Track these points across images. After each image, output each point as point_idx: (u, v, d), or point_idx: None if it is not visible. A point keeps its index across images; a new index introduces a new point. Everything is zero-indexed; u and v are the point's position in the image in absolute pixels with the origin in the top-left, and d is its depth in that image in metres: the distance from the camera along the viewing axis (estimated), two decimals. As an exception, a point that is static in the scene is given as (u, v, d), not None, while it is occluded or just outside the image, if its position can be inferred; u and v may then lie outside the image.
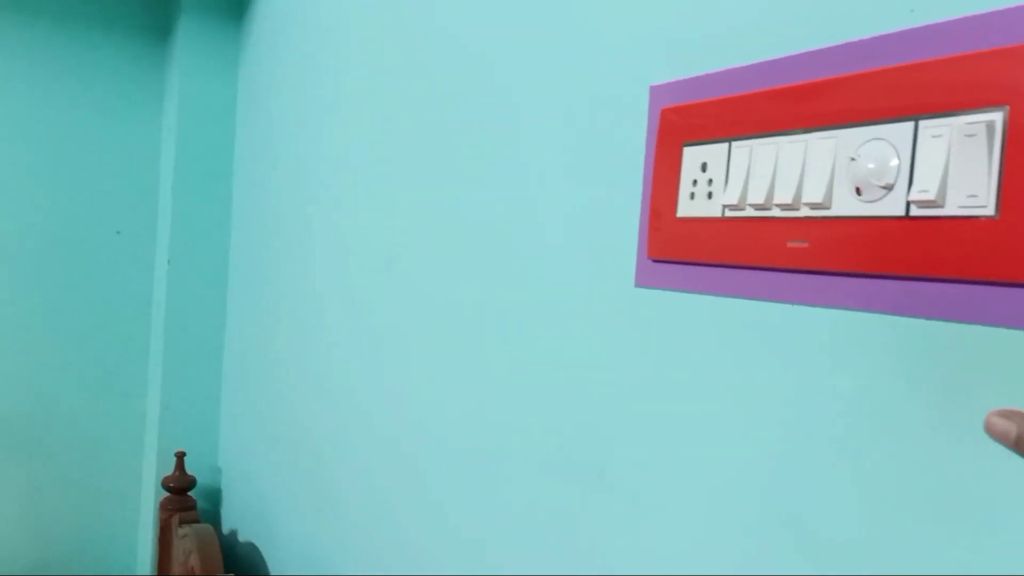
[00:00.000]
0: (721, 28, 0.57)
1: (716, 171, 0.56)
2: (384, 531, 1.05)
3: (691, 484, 0.58)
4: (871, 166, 0.45)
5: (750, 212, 0.53)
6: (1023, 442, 0.34)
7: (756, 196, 0.52)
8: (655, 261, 0.61)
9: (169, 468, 1.71)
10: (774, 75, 0.53)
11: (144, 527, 1.90)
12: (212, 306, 1.83)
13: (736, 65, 0.55)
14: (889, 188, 0.44)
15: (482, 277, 0.85)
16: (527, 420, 0.77)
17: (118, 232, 1.88)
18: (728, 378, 0.55)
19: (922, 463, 0.43)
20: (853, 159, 0.46)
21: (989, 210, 0.40)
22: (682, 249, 0.58)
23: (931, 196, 0.42)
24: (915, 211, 0.43)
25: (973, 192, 0.41)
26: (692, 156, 0.58)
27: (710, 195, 0.56)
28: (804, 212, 0.49)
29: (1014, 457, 0.37)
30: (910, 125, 0.44)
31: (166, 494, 1.70)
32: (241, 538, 1.65)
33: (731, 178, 0.54)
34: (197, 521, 1.63)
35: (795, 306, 0.51)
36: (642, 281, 0.63)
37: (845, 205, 0.47)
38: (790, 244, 0.50)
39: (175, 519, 1.64)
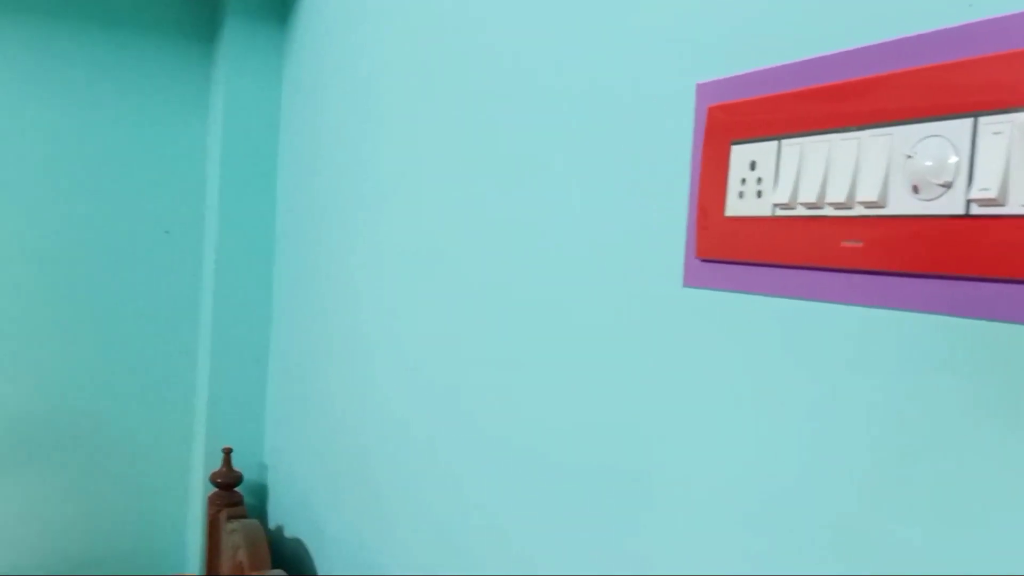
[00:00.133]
0: (769, 24, 0.57)
1: (765, 169, 0.55)
2: (427, 530, 1.06)
3: (738, 489, 0.58)
4: (928, 164, 0.44)
5: (801, 211, 0.52)
6: None
7: (808, 195, 0.51)
8: (703, 261, 0.61)
9: (217, 464, 1.74)
10: (825, 72, 0.52)
11: (193, 522, 1.93)
12: (258, 305, 1.86)
13: (785, 62, 0.55)
14: (948, 186, 0.43)
15: (525, 278, 0.85)
16: (570, 422, 0.77)
17: (167, 232, 1.92)
18: (779, 381, 0.55)
19: (982, 470, 0.42)
20: (909, 156, 0.45)
21: (1054, 209, 0.39)
22: (731, 248, 0.58)
23: (992, 194, 0.41)
24: (975, 210, 0.42)
25: (1036, 190, 0.40)
26: (740, 154, 0.57)
27: (759, 194, 0.55)
28: (858, 211, 0.48)
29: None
30: (969, 122, 0.43)
31: (214, 489, 1.73)
32: (287, 534, 1.67)
33: (781, 176, 0.53)
34: (244, 516, 1.66)
35: (849, 307, 0.50)
36: (690, 281, 0.62)
37: (901, 204, 0.46)
38: (844, 244, 0.49)
39: (223, 514, 1.67)
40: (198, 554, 1.88)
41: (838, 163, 0.49)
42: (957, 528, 0.44)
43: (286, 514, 1.72)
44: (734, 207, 0.57)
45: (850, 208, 0.49)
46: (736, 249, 0.57)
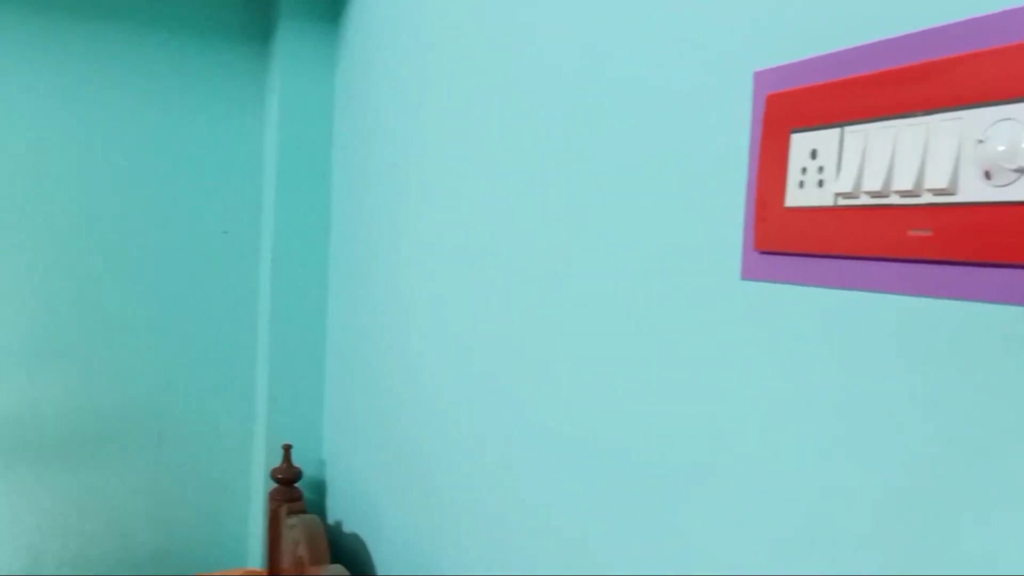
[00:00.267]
0: (828, 8, 0.55)
1: (827, 158, 0.53)
2: (485, 526, 1.06)
3: (799, 484, 0.56)
4: (1001, 148, 0.42)
5: (866, 200, 0.50)
6: None
7: (872, 183, 0.49)
8: (762, 253, 0.59)
9: (277, 460, 1.77)
10: (889, 55, 0.50)
11: (255, 517, 1.97)
12: (314, 303, 1.89)
13: (846, 47, 0.53)
14: (1022, 171, 0.42)
15: (579, 271, 0.85)
16: (626, 416, 0.76)
17: (225, 232, 1.96)
18: (843, 374, 0.53)
19: (1064, 465, 0.41)
20: (980, 141, 0.44)
21: None
22: (791, 240, 0.56)
23: (1072, 179, 0.39)
24: (1053, 195, 0.40)
25: (1120, 173, 0.38)
26: (801, 143, 0.56)
27: (821, 183, 0.54)
28: (927, 199, 0.46)
29: None
30: (1045, 103, 0.41)
31: (274, 485, 1.76)
32: (346, 529, 1.69)
33: (844, 165, 0.52)
34: (304, 512, 1.68)
35: (917, 298, 0.48)
36: (749, 274, 0.61)
37: (973, 190, 0.44)
38: (911, 232, 0.47)
39: (283, 509, 1.70)
40: (260, 548, 1.92)
41: (905, 150, 0.48)
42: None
43: (344, 509, 1.74)
44: (794, 197, 0.56)
45: (918, 196, 0.47)
46: (796, 240, 0.56)
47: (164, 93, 1.88)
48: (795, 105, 0.56)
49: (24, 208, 1.77)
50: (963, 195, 0.45)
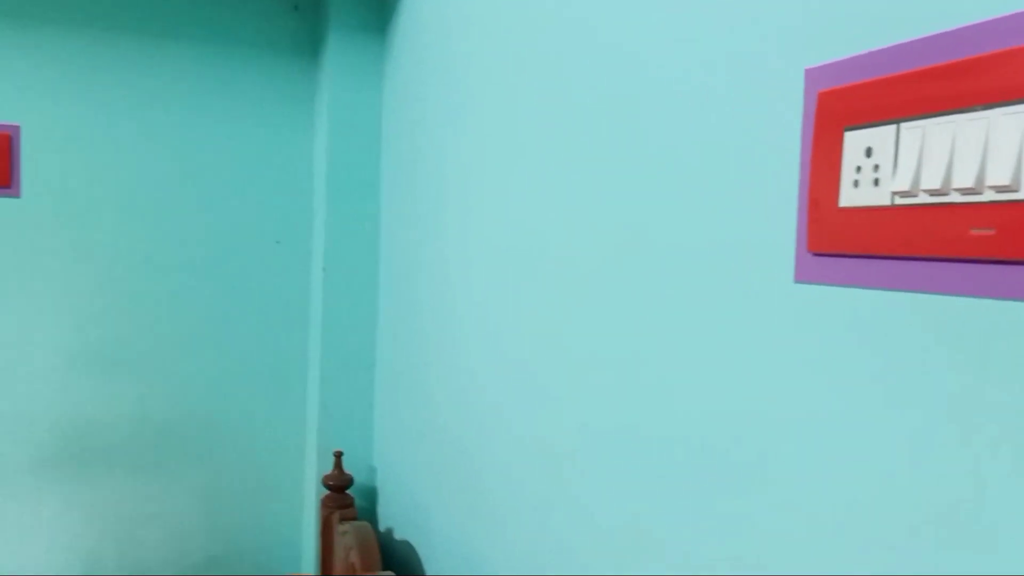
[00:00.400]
0: (880, 2, 0.53)
1: (883, 156, 0.52)
2: (536, 532, 1.06)
3: (854, 491, 0.54)
4: (1069, 141, 0.40)
5: (924, 198, 0.48)
6: None
7: (931, 181, 0.48)
8: (816, 255, 0.58)
9: (329, 467, 1.79)
10: (946, 49, 0.48)
11: (308, 524, 1.99)
12: (364, 311, 1.91)
13: (901, 41, 0.51)
14: (1092, 165, 0.40)
15: (626, 275, 0.84)
16: (678, 422, 0.75)
17: (278, 242, 1.99)
18: (901, 379, 0.51)
19: None
20: (1046, 135, 0.42)
21: None
22: (846, 241, 0.55)
23: None
24: None
25: None
26: (855, 141, 0.54)
27: (876, 182, 0.52)
28: (989, 196, 0.45)
29: None
30: (1116, 93, 0.39)
31: (326, 492, 1.77)
32: (397, 536, 1.70)
33: (901, 162, 0.50)
34: (356, 519, 1.69)
35: (980, 300, 0.46)
36: (802, 276, 0.59)
37: (1038, 186, 0.42)
38: (973, 232, 0.46)
39: (335, 516, 1.71)
40: (313, 554, 1.93)
41: (965, 146, 0.46)
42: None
43: (395, 516, 1.74)
44: (849, 197, 0.54)
45: (979, 193, 0.45)
46: (851, 241, 0.54)
47: (218, 108, 1.92)
48: (848, 102, 0.55)
49: (86, 223, 1.83)
50: (1028, 191, 0.43)
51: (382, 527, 1.82)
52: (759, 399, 0.64)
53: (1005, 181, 0.43)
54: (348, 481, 1.76)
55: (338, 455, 1.77)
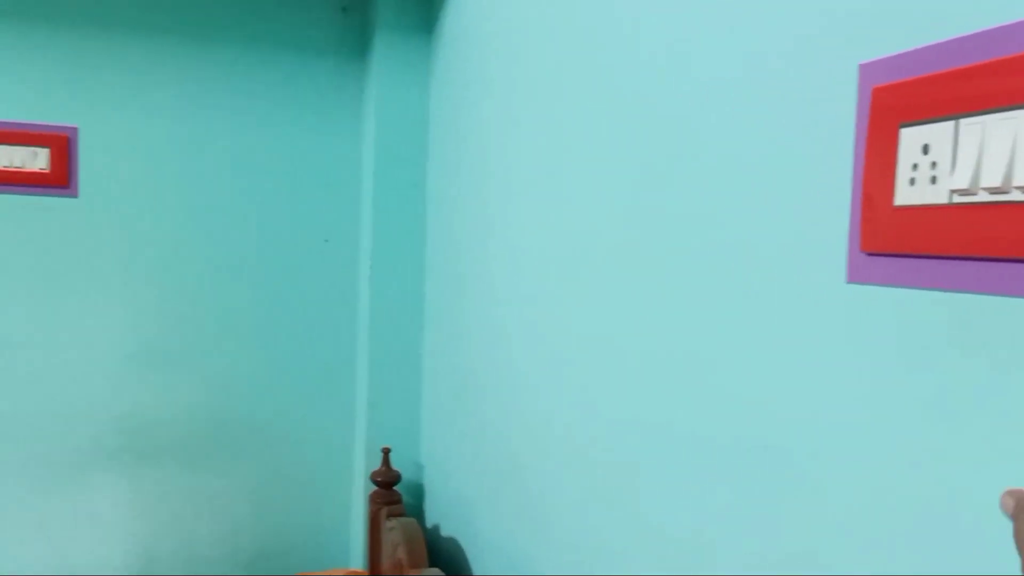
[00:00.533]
0: (942, -6, 0.52)
1: (940, 153, 0.50)
2: (584, 534, 1.05)
3: (908, 495, 0.53)
4: None
5: (984, 197, 0.47)
6: (1018, 512, 0.38)
7: (991, 178, 0.46)
8: (869, 255, 0.56)
9: (376, 463, 1.80)
10: (1006, 43, 0.47)
11: (356, 519, 2.01)
12: (411, 308, 1.92)
13: (958, 35, 0.50)
14: None
15: (675, 274, 0.83)
16: (727, 424, 0.74)
17: (326, 241, 2.01)
18: (959, 382, 0.50)
19: None
20: (1116, 130, 0.40)
21: None
22: (901, 241, 0.53)
23: None
24: None
25: None
26: (911, 138, 0.52)
27: (934, 179, 0.51)
28: (1053, 194, 0.43)
29: None
30: None
31: (374, 488, 1.79)
32: (444, 533, 1.71)
33: (960, 160, 0.48)
34: (403, 515, 1.71)
35: (1044, 302, 0.45)
36: (855, 277, 0.58)
37: (1107, 184, 0.41)
38: (1036, 231, 0.44)
39: (383, 512, 1.73)
40: (361, 550, 1.95)
41: (1027, 142, 0.44)
42: None
43: (442, 513, 1.75)
44: (904, 195, 0.53)
45: (1043, 191, 0.44)
46: (907, 241, 0.53)
47: (269, 109, 1.95)
48: (904, 98, 0.53)
49: (141, 223, 1.87)
50: (1096, 189, 0.41)
51: (429, 524, 1.83)
52: (809, 402, 0.63)
53: (1071, 179, 0.42)
54: (395, 477, 1.77)
55: (386, 451, 1.78)
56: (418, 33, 1.89)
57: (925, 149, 0.51)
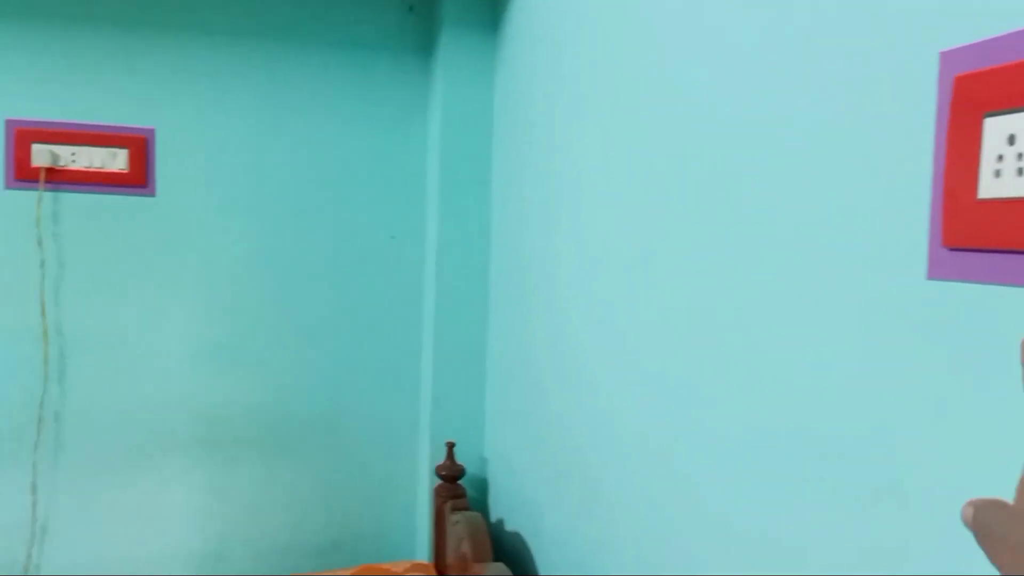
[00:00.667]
0: (1030, -23, 0.50)
1: (1028, 143, 0.48)
2: (652, 534, 1.04)
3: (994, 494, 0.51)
4: None
5: (1076, 189, 0.45)
6: (977, 524, 0.38)
7: (1085, 170, 0.44)
8: (952, 250, 0.54)
9: (441, 457, 1.82)
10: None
11: (421, 512, 2.04)
12: (476, 304, 1.93)
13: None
14: None
15: (751, 273, 0.81)
16: (806, 423, 0.72)
17: (392, 237, 2.04)
18: (1050, 382, 0.48)
19: None
20: None
21: None
22: (986, 235, 0.51)
23: None
24: None
25: None
26: (996, 128, 0.51)
27: (1021, 171, 0.49)
28: None
29: None
30: None
31: (439, 481, 1.81)
32: (508, 528, 1.72)
33: (1049, 150, 0.46)
34: (467, 509, 1.72)
35: None
36: (936, 273, 0.56)
37: None
38: None
39: (447, 506, 1.74)
40: (427, 542, 1.98)
41: (1124, 131, 0.42)
42: None
43: (506, 508, 1.76)
44: (989, 188, 0.51)
45: None
46: (992, 236, 0.51)
47: (336, 108, 1.98)
48: (988, 87, 0.51)
49: (215, 221, 1.92)
50: None
51: (493, 518, 1.84)
52: (889, 401, 0.61)
53: None
54: (460, 471, 1.79)
55: (450, 445, 1.80)
56: (483, 30, 1.89)
57: (1011, 140, 0.49)
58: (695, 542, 0.92)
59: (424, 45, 2.02)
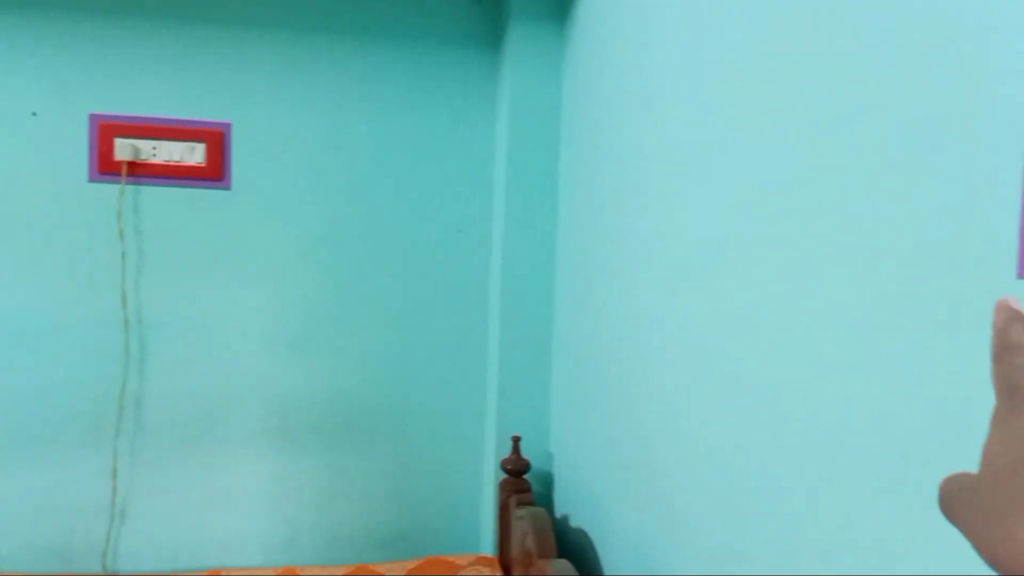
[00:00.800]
0: None
1: None
2: (720, 530, 1.02)
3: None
4: None
5: None
6: (943, 495, 0.37)
7: None
8: (1048, 244, 0.51)
9: (507, 451, 1.82)
10: None
11: (486, 506, 2.04)
12: (542, 298, 1.92)
13: None
14: None
15: (831, 271, 0.78)
16: (891, 429, 0.69)
17: (459, 231, 2.04)
18: None
19: None
20: None
21: None
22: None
23: None
24: None
25: None
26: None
27: None
28: None
29: None
30: None
31: (504, 475, 1.81)
32: (572, 524, 1.70)
33: None
34: (532, 503, 1.71)
35: None
36: (1030, 269, 0.52)
37: None
38: None
39: (512, 500, 1.74)
40: (491, 536, 1.98)
41: None
42: None
43: (571, 504, 1.75)
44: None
45: None
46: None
47: (405, 101, 2.00)
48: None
49: (287, 214, 1.96)
50: None
51: (558, 514, 1.83)
52: (980, 406, 0.58)
53: None
54: (525, 466, 1.78)
55: (516, 440, 1.79)
56: (551, 21, 1.88)
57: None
58: (770, 543, 0.89)
59: (492, 38, 2.01)
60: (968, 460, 0.58)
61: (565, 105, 1.87)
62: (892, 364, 0.67)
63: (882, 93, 0.69)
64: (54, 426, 1.88)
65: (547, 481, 1.92)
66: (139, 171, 1.88)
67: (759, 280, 0.92)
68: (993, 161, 0.56)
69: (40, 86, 1.84)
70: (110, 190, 1.87)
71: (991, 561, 0.33)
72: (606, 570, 1.48)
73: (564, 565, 1.37)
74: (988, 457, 0.35)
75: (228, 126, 1.91)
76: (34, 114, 1.84)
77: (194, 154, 1.90)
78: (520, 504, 1.70)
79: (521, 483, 1.78)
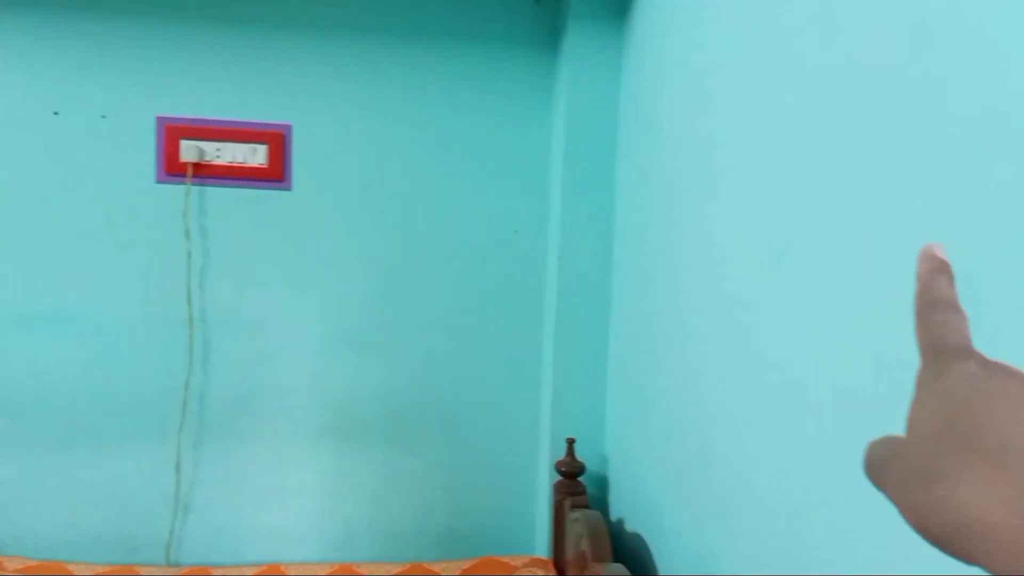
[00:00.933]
0: None
1: None
2: (779, 536, 0.99)
3: None
4: None
5: None
6: (869, 458, 0.36)
7: None
8: None
9: (561, 453, 1.81)
10: None
11: (541, 507, 2.04)
12: (598, 300, 1.91)
13: None
14: None
15: (901, 266, 0.76)
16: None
17: (515, 231, 2.04)
18: None
19: None
20: None
21: None
22: None
23: None
24: None
25: None
26: None
27: None
28: None
29: None
30: None
31: (559, 478, 1.80)
32: (628, 528, 1.69)
33: None
34: (587, 506, 1.70)
35: None
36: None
37: None
38: None
39: (567, 502, 1.73)
40: (546, 538, 1.97)
41: None
42: None
43: (627, 507, 1.73)
44: None
45: None
46: None
47: (463, 102, 2.00)
48: None
49: (346, 214, 1.98)
50: None
51: (613, 517, 1.82)
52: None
53: None
54: (580, 468, 1.77)
55: (570, 442, 1.78)
56: (610, 21, 1.87)
57: None
58: (837, 552, 0.87)
59: (549, 38, 2.01)
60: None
61: (623, 105, 1.85)
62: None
63: (961, 84, 0.67)
64: (121, 420, 1.94)
65: (602, 484, 1.90)
66: (204, 172, 1.93)
67: (830, 278, 0.89)
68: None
69: (109, 90, 1.90)
70: (176, 191, 1.92)
71: (920, 529, 0.31)
72: (661, 574, 1.46)
73: (619, 569, 1.36)
74: (914, 422, 0.33)
75: (289, 128, 1.94)
76: (103, 117, 1.89)
77: (256, 155, 1.94)
78: (575, 507, 1.69)
79: (576, 485, 1.77)
